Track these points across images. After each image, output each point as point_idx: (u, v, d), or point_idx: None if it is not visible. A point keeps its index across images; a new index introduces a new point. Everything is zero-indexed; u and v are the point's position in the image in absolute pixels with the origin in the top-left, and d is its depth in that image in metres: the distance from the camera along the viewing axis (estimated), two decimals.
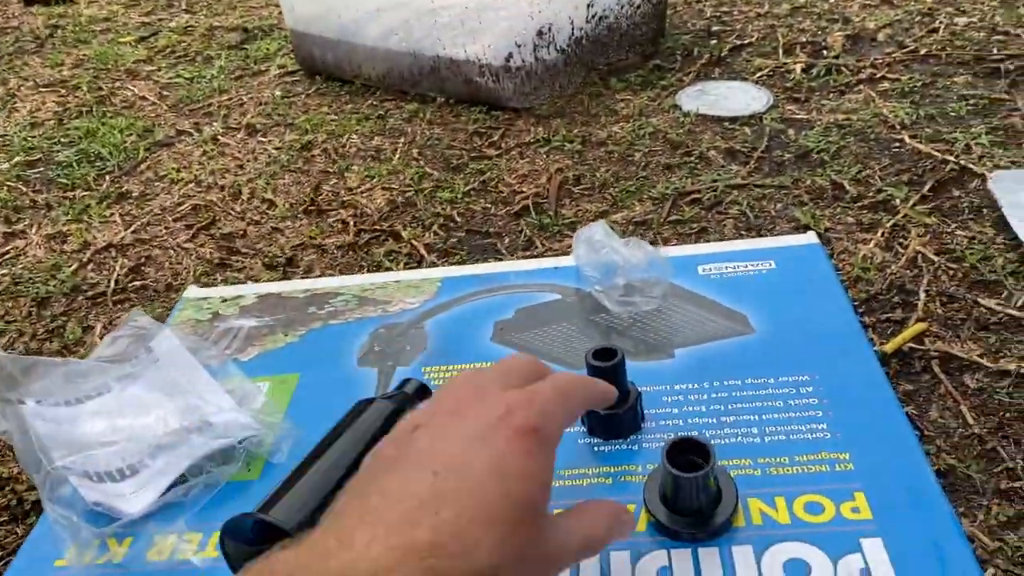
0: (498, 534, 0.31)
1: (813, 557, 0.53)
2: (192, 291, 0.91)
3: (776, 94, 1.53)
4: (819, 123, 1.40)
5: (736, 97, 1.52)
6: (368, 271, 1.19)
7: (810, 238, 0.87)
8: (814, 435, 0.62)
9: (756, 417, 0.64)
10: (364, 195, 1.38)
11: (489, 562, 0.31)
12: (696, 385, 0.68)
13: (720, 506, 0.45)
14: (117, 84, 1.99)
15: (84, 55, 2.19)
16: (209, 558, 0.59)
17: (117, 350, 0.71)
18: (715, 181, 1.27)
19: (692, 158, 1.35)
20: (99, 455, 0.61)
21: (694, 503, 0.46)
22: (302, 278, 1.18)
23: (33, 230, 1.40)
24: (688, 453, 0.47)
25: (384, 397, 0.66)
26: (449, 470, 0.32)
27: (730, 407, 0.66)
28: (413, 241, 1.23)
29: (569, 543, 0.37)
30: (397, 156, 1.49)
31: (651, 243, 1.21)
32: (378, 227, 1.29)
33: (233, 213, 1.38)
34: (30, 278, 1.25)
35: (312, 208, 1.37)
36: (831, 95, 1.50)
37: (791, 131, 1.40)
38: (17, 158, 1.63)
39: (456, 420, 0.34)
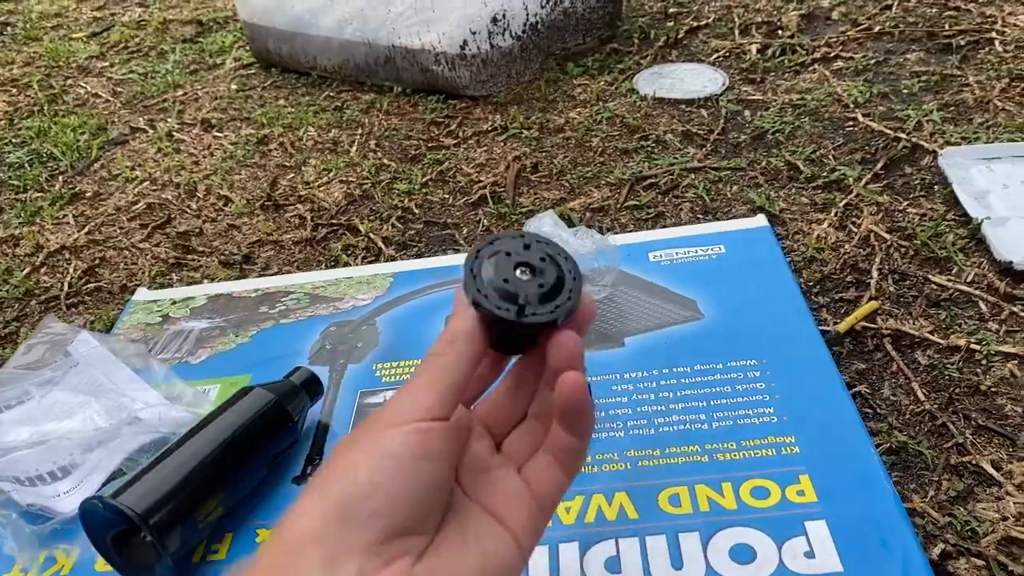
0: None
1: (759, 542, 0.54)
2: (141, 294, 0.90)
3: (732, 75, 1.53)
4: (774, 104, 1.41)
5: (693, 79, 1.52)
6: (326, 266, 1.18)
7: (759, 221, 0.87)
8: (761, 419, 0.63)
9: (705, 403, 0.65)
10: (321, 189, 1.37)
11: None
12: (646, 373, 0.69)
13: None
14: (69, 81, 1.95)
15: (35, 52, 2.15)
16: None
17: (34, 357, 0.71)
18: (672, 165, 1.28)
19: (649, 142, 1.36)
20: (26, 458, 0.60)
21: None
22: (260, 275, 1.17)
23: None
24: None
25: (267, 386, 0.66)
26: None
27: (679, 394, 0.66)
28: (371, 234, 1.22)
29: None
30: (354, 148, 1.48)
31: (608, 229, 1.21)
32: (335, 221, 1.28)
33: (189, 211, 1.37)
34: None
35: (269, 203, 1.35)
36: (786, 75, 1.51)
37: (747, 112, 1.41)
38: None
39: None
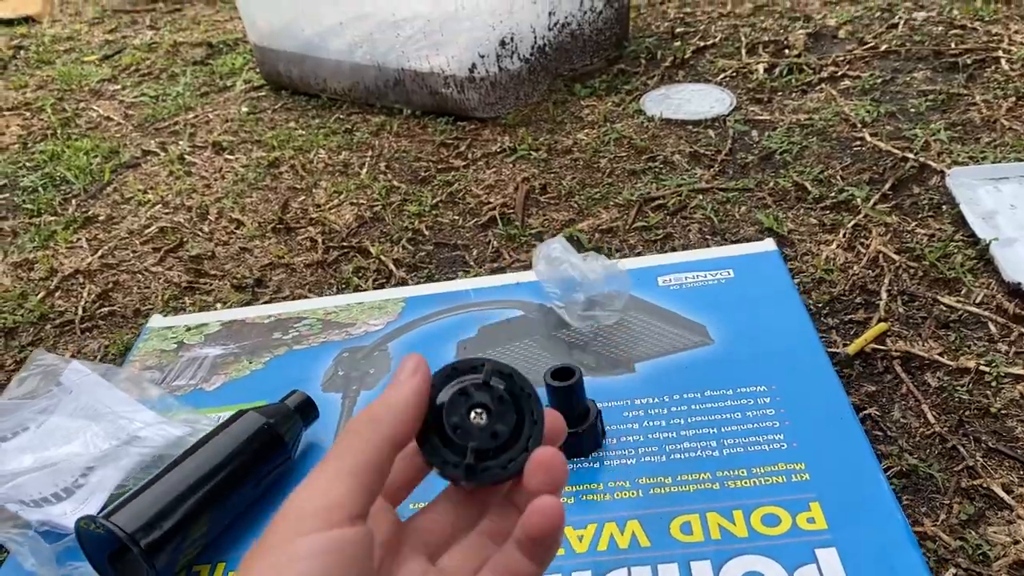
0: None
1: (770, 569, 0.54)
2: (156, 320, 0.92)
3: (739, 95, 1.54)
4: (782, 124, 1.42)
5: (700, 100, 1.53)
6: (337, 288, 1.19)
7: (767, 245, 0.88)
8: (771, 446, 0.63)
9: (715, 430, 0.66)
10: (332, 211, 1.38)
11: None
12: (656, 399, 0.69)
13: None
14: (82, 105, 1.97)
15: (48, 76, 2.17)
16: None
17: (27, 389, 0.72)
18: (680, 186, 1.28)
19: (657, 163, 1.36)
20: (29, 482, 0.62)
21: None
22: (271, 299, 1.18)
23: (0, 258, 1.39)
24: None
25: (261, 409, 0.68)
26: None
27: (690, 420, 0.67)
28: (381, 256, 1.23)
29: None
30: (365, 170, 1.50)
31: (617, 251, 1.22)
32: (346, 243, 1.29)
33: (201, 234, 1.38)
34: None
35: (280, 226, 1.36)
36: (793, 95, 1.52)
37: (754, 132, 1.41)
38: None
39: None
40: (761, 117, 1.46)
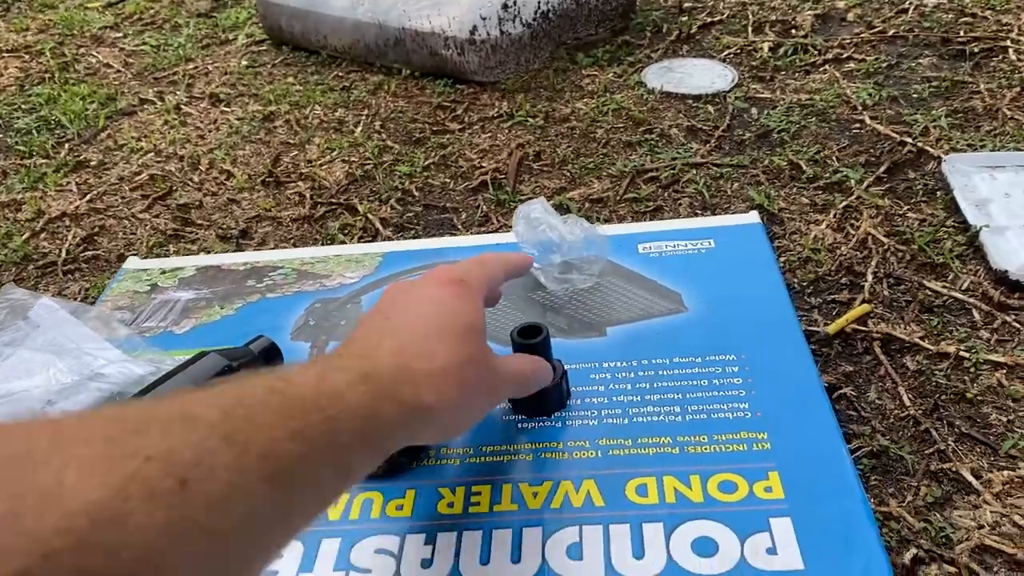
0: (448, 342, 0.46)
1: (722, 535, 0.54)
2: (132, 262, 0.91)
3: (742, 72, 1.52)
4: (782, 103, 1.40)
5: (702, 75, 1.51)
6: (322, 244, 1.18)
7: (751, 218, 0.87)
8: (735, 414, 0.63)
9: (680, 395, 0.65)
10: (323, 168, 1.37)
11: (446, 361, 0.45)
12: (624, 363, 0.69)
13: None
14: (82, 50, 1.96)
15: (50, 20, 2.15)
16: None
17: None
18: (674, 159, 1.27)
19: (653, 136, 1.35)
20: None
21: None
22: (255, 250, 1.18)
23: None
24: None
25: (224, 351, 0.67)
26: (408, 311, 0.47)
27: (656, 385, 0.66)
28: (369, 215, 1.22)
29: (506, 371, 0.54)
30: (359, 128, 1.48)
31: (606, 221, 1.20)
32: (335, 200, 1.28)
33: (191, 184, 1.37)
34: None
35: (270, 180, 1.35)
36: (796, 74, 1.50)
37: (753, 110, 1.40)
38: None
39: (414, 285, 0.51)
40: (762, 95, 1.44)
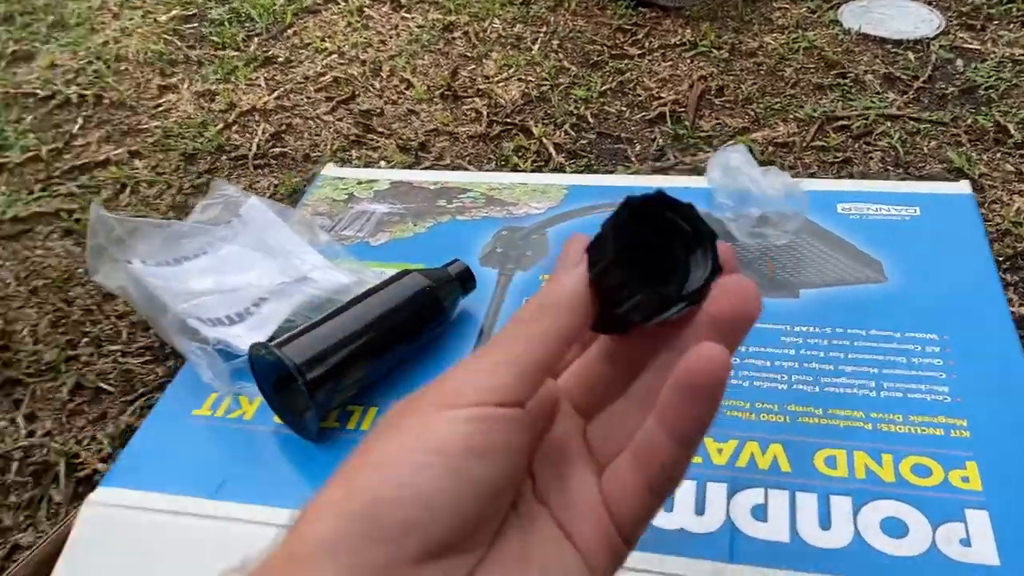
0: None
1: (913, 519, 0.53)
2: (330, 169, 0.95)
3: (950, 18, 1.41)
4: (992, 56, 1.30)
5: (904, 17, 1.42)
6: (497, 164, 1.19)
7: (962, 187, 0.82)
8: (933, 397, 0.61)
9: (876, 370, 0.63)
10: (500, 85, 1.38)
11: None
12: (817, 328, 0.67)
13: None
14: None
15: None
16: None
17: (210, 216, 0.77)
18: (868, 108, 1.21)
19: (846, 80, 1.28)
20: (208, 302, 0.67)
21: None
22: (432, 164, 1.20)
23: (185, 85, 1.46)
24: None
25: (424, 271, 0.70)
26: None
27: (849, 356, 0.65)
28: (543, 139, 1.23)
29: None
30: (537, 46, 1.47)
31: (791, 168, 1.17)
32: (510, 120, 1.29)
33: (372, 90, 1.40)
34: (180, 133, 1.32)
35: (448, 93, 1.37)
36: (1012, 25, 1.38)
37: (959, 62, 1.30)
38: (175, 11, 1.69)
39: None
40: (970, 45, 1.33)
